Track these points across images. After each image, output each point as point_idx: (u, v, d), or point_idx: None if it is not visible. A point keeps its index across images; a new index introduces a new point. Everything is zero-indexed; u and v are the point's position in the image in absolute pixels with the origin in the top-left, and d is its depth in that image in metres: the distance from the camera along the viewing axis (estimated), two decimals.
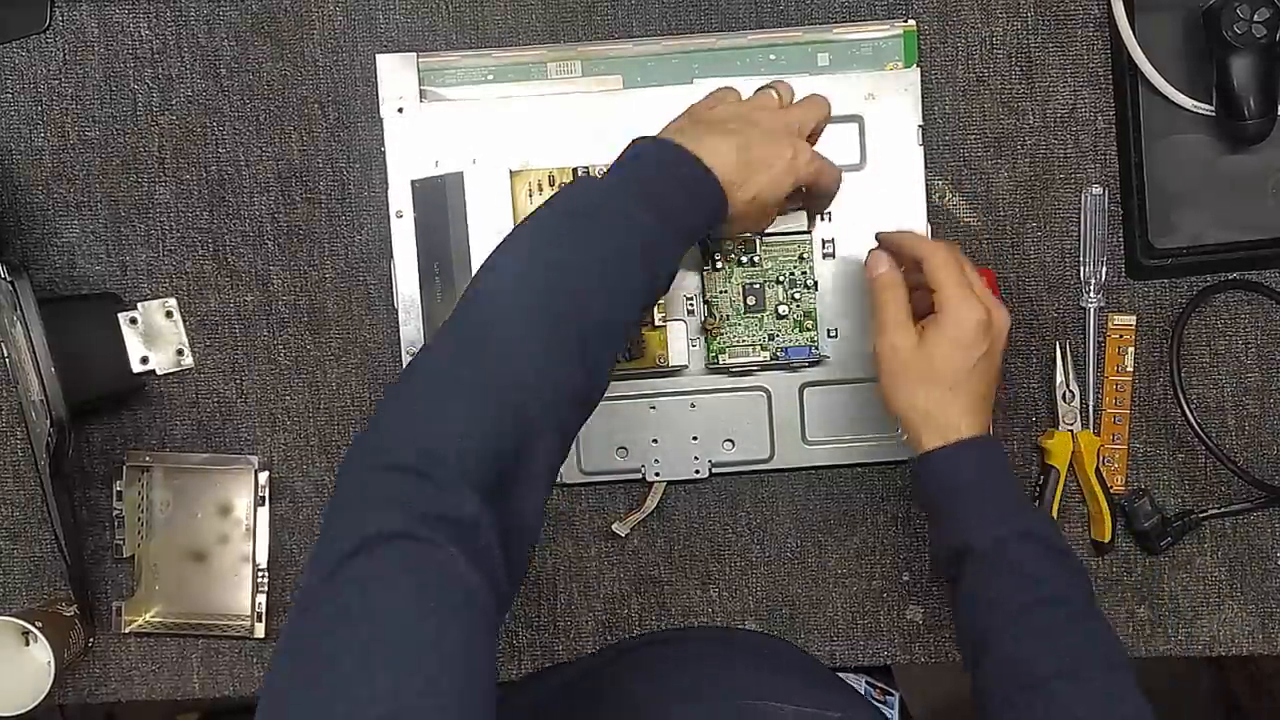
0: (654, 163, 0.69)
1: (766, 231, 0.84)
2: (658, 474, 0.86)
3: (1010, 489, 0.74)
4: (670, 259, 0.68)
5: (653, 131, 0.83)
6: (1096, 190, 0.86)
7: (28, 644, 0.82)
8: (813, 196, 0.79)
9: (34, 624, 0.80)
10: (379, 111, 0.85)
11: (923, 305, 0.76)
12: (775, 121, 0.74)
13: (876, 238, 0.80)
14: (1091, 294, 0.86)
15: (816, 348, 0.85)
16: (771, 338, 0.85)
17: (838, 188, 0.78)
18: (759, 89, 0.78)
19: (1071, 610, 0.70)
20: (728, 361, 0.84)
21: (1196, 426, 0.83)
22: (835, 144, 0.84)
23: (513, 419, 0.58)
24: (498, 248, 0.65)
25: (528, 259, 0.64)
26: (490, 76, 0.85)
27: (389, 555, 0.52)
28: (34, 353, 0.76)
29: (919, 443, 0.74)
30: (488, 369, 0.60)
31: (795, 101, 0.77)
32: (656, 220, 0.66)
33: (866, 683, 0.89)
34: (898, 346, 0.74)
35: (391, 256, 0.85)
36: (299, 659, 0.51)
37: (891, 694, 0.90)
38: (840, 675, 0.89)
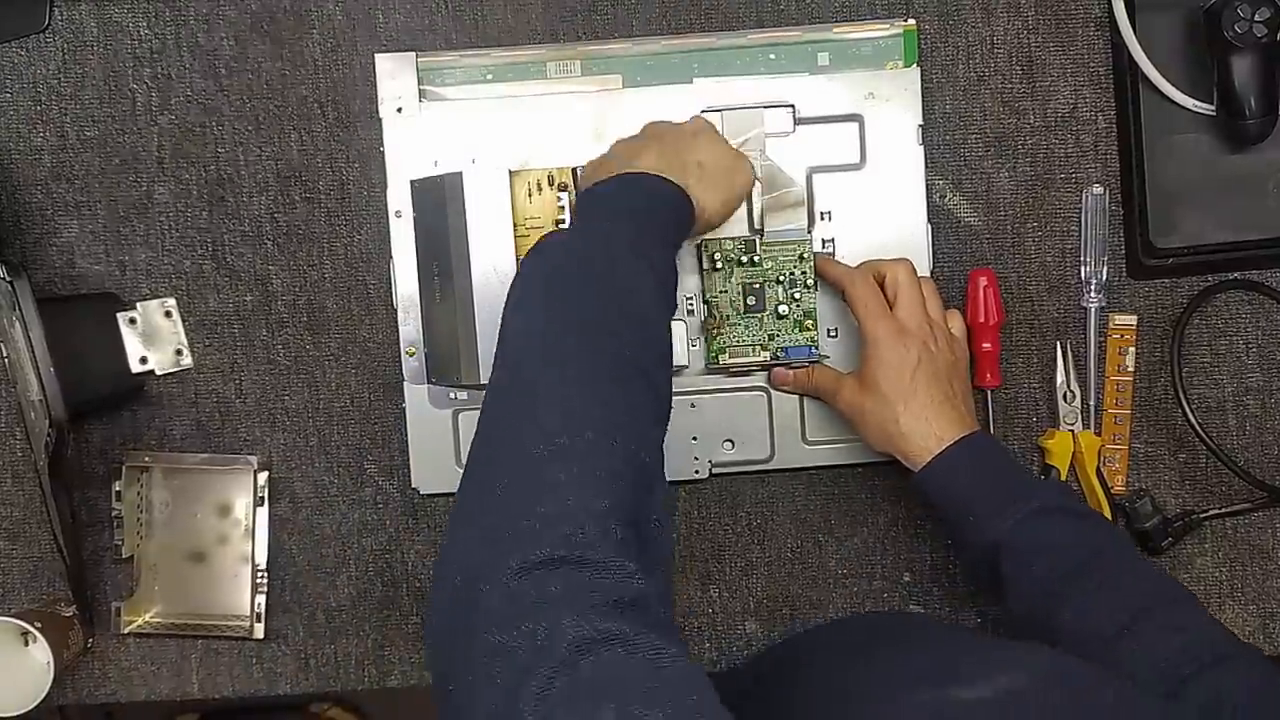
0: (618, 186, 0.73)
1: (766, 232, 0.84)
2: None
3: (1009, 473, 0.77)
4: (661, 246, 0.70)
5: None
6: (1097, 190, 0.86)
7: (27, 644, 0.82)
8: None
9: (33, 624, 0.79)
10: (378, 111, 0.84)
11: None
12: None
13: (815, 268, 0.84)
14: (1092, 294, 0.86)
15: (816, 348, 0.84)
16: (771, 338, 0.84)
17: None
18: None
19: (1117, 561, 0.72)
20: (728, 361, 0.84)
21: (1197, 427, 0.83)
22: (836, 144, 0.85)
23: (620, 466, 0.56)
24: (511, 308, 0.65)
25: (543, 315, 0.64)
26: (490, 76, 0.85)
27: (605, 664, 0.47)
28: (33, 353, 0.76)
29: (914, 463, 0.77)
30: (568, 434, 0.56)
31: None
32: (630, 221, 0.70)
33: None
34: (846, 398, 0.80)
35: (391, 256, 0.85)
36: None
37: None
38: None
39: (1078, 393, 0.86)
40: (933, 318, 0.80)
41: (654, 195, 0.73)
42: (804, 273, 0.84)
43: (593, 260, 0.66)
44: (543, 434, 0.57)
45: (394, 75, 0.84)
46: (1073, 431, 0.86)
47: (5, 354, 0.78)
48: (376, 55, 0.85)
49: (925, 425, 0.76)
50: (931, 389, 0.77)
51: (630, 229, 0.69)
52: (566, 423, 0.57)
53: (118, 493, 0.86)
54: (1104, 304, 0.86)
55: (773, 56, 0.85)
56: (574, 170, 0.83)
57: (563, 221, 0.83)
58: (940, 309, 0.82)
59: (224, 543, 0.88)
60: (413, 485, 0.86)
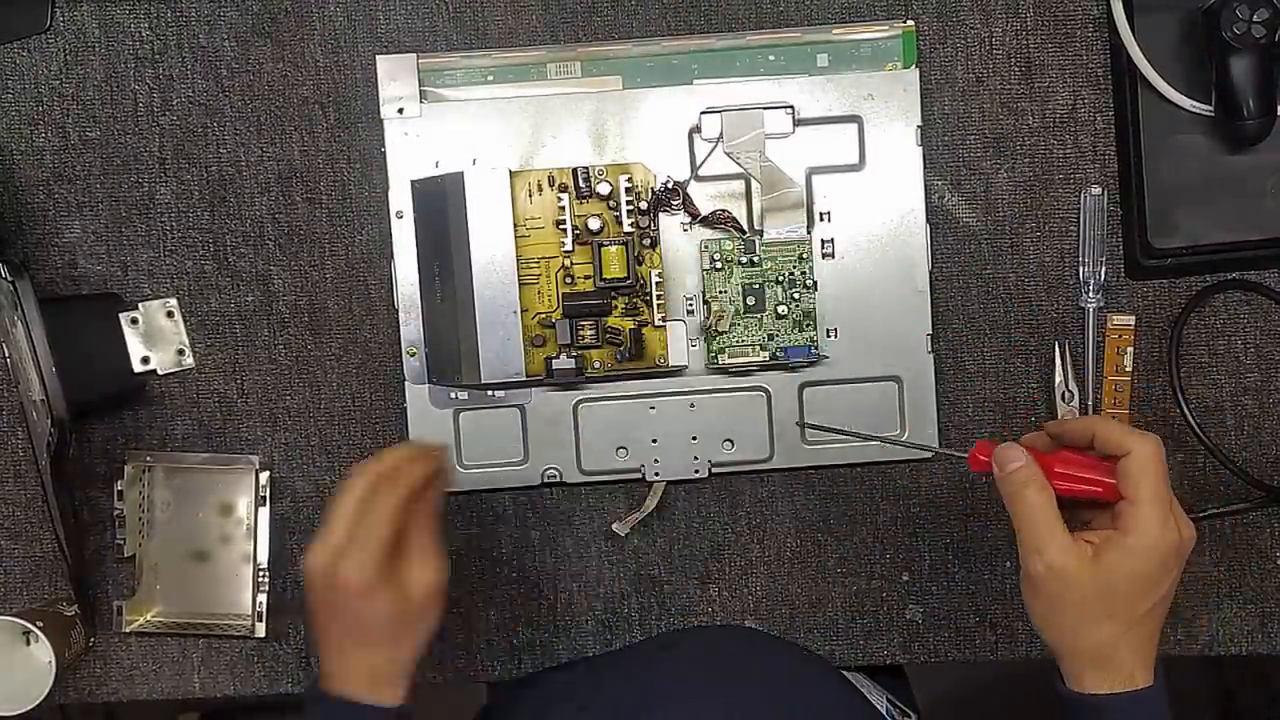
0: None
1: (766, 233, 0.84)
2: (658, 474, 0.86)
3: None
4: None
5: (650, 128, 0.84)
6: (1095, 190, 0.86)
7: (28, 644, 0.83)
8: None
9: (35, 624, 0.80)
10: (379, 112, 0.85)
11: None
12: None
13: (1045, 430, 0.69)
14: (1090, 294, 0.86)
15: (816, 348, 0.85)
16: (771, 337, 0.85)
17: None
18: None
19: None
20: (727, 361, 0.85)
21: (1195, 426, 0.83)
22: (835, 145, 0.85)
23: None
24: None
25: None
26: (490, 77, 0.85)
27: None
28: (35, 352, 0.76)
29: (1078, 680, 0.64)
30: None
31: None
32: None
33: (888, 700, 0.87)
34: (1064, 570, 0.62)
35: (392, 257, 0.85)
36: None
37: (910, 715, 0.89)
38: (863, 691, 0.85)
39: (1076, 393, 0.86)
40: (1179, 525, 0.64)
41: None
42: (803, 273, 0.84)
43: None
44: None
45: (395, 76, 0.84)
46: None
47: (7, 354, 0.78)
48: (377, 57, 0.85)
49: (1131, 660, 0.63)
50: (1157, 622, 0.64)
51: None
52: None
53: (119, 492, 0.87)
54: (1102, 304, 0.87)
55: (772, 58, 0.85)
56: (574, 171, 0.83)
57: (563, 223, 0.83)
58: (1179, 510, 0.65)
59: (226, 542, 0.88)
60: None
